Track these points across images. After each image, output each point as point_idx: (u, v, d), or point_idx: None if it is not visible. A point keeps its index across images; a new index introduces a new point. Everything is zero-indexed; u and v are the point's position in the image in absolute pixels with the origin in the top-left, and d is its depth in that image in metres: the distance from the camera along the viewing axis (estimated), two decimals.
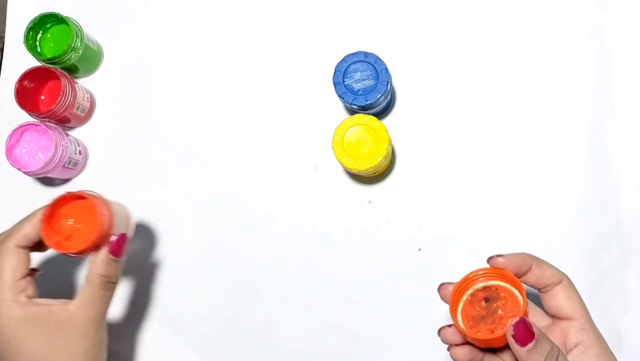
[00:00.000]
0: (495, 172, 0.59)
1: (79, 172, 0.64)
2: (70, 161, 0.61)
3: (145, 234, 0.62)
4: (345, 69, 0.55)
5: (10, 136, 0.60)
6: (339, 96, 0.55)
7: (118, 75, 0.66)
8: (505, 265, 0.43)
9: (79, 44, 0.61)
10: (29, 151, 0.61)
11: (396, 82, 0.61)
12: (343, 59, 0.56)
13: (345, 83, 0.55)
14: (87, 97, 0.64)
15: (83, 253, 0.49)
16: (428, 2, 0.62)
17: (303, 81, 0.63)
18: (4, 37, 0.69)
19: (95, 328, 0.48)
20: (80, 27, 0.62)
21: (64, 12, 0.62)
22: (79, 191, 0.49)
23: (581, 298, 0.43)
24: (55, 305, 0.47)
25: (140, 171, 0.64)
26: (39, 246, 0.49)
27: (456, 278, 0.57)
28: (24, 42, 0.61)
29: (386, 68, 0.55)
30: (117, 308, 0.62)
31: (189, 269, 0.61)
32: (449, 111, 0.60)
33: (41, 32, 0.63)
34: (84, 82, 0.66)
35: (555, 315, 0.44)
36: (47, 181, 0.64)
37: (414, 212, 0.59)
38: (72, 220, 0.50)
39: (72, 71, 0.64)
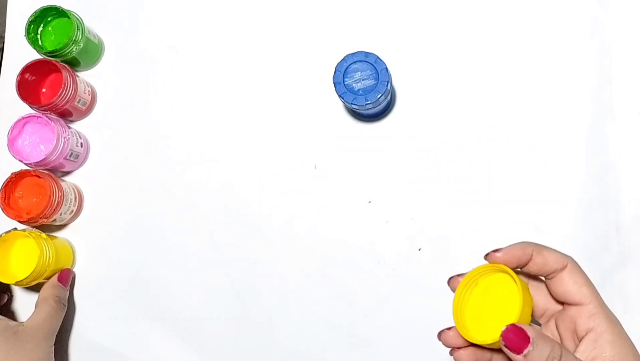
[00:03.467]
0: (496, 172, 0.59)
1: (81, 165, 0.64)
2: (72, 153, 0.61)
3: (145, 234, 0.63)
4: (346, 69, 0.55)
5: (12, 128, 0.60)
6: (339, 96, 0.55)
7: (119, 69, 0.66)
8: (504, 260, 0.40)
9: (80, 37, 0.62)
10: (31, 142, 0.61)
11: (396, 82, 0.61)
12: (343, 58, 0.56)
13: (345, 83, 0.55)
14: (89, 91, 0.64)
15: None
16: (428, 2, 0.62)
17: (303, 80, 0.63)
18: (4, 37, 0.69)
19: (47, 340, 0.55)
20: (81, 20, 0.62)
21: (65, 5, 0.62)
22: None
23: (590, 281, 0.40)
24: (12, 321, 0.55)
25: (140, 169, 0.64)
26: None
27: None
28: (25, 35, 0.61)
29: (386, 68, 0.55)
30: (118, 308, 0.61)
31: (189, 269, 0.61)
32: (448, 111, 0.60)
33: (42, 25, 0.63)
34: (85, 76, 0.66)
35: (564, 302, 0.41)
36: None
37: (414, 212, 0.59)
38: None
39: (73, 64, 0.64)
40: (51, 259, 0.57)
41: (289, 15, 0.65)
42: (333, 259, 0.59)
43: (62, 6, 0.62)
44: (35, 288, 0.60)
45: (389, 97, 0.58)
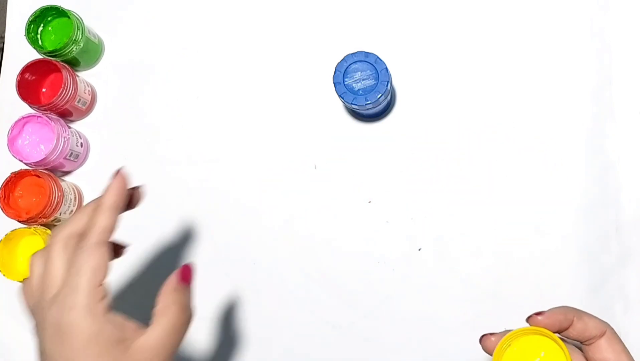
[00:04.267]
0: (496, 172, 0.59)
1: (81, 164, 0.64)
2: (72, 153, 0.61)
3: (144, 234, 0.63)
4: (346, 69, 0.55)
5: (12, 128, 0.60)
6: (339, 96, 0.55)
7: (119, 68, 0.66)
8: (546, 324, 0.40)
9: (80, 36, 0.62)
10: (31, 142, 0.61)
11: (396, 82, 0.61)
12: (343, 58, 0.56)
13: (346, 83, 0.55)
14: (89, 90, 0.64)
15: None
16: (428, 2, 0.62)
17: (303, 80, 0.63)
18: (4, 36, 0.69)
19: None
20: (81, 20, 0.63)
21: (65, 5, 0.62)
22: None
23: (626, 349, 0.40)
24: (130, 327, 0.40)
25: (140, 169, 0.64)
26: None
27: (456, 278, 0.57)
28: (25, 35, 0.61)
29: (386, 68, 0.55)
30: (118, 308, 0.61)
31: None
32: (448, 111, 0.60)
33: (42, 25, 0.63)
34: (85, 76, 0.66)
35: None
36: None
37: (414, 212, 0.59)
38: None
39: (73, 64, 0.64)
40: None
41: (289, 16, 0.65)
42: (333, 259, 0.59)
43: (62, 6, 0.62)
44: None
45: (389, 97, 0.58)
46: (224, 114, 0.64)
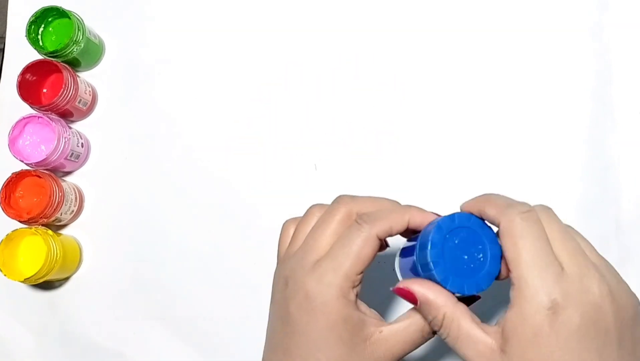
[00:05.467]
0: (495, 173, 0.59)
1: (82, 165, 0.64)
2: (72, 153, 0.61)
3: (145, 234, 0.63)
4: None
5: (13, 128, 0.60)
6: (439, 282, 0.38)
7: (120, 69, 0.66)
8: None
9: (81, 37, 0.62)
10: (32, 142, 0.61)
11: (398, 82, 0.61)
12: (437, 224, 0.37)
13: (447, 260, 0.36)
14: (89, 91, 0.64)
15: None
16: (428, 3, 0.63)
17: (304, 80, 0.63)
18: (4, 37, 0.69)
19: None
20: (82, 21, 0.63)
21: (65, 5, 0.62)
22: None
23: (535, 237, 0.34)
24: (369, 320, 0.39)
25: (141, 169, 0.64)
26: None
27: None
28: (25, 36, 0.61)
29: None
30: (118, 308, 0.61)
31: (189, 269, 0.61)
32: (448, 110, 0.60)
33: (43, 25, 0.63)
34: (86, 76, 0.66)
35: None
36: None
37: None
38: None
39: (74, 64, 0.64)
40: (59, 256, 0.58)
41: (293, 18, 0.65)
42: None
43: (62, 7, 0.62)
44: None
45: None
46: (224, 114, 0.64)
